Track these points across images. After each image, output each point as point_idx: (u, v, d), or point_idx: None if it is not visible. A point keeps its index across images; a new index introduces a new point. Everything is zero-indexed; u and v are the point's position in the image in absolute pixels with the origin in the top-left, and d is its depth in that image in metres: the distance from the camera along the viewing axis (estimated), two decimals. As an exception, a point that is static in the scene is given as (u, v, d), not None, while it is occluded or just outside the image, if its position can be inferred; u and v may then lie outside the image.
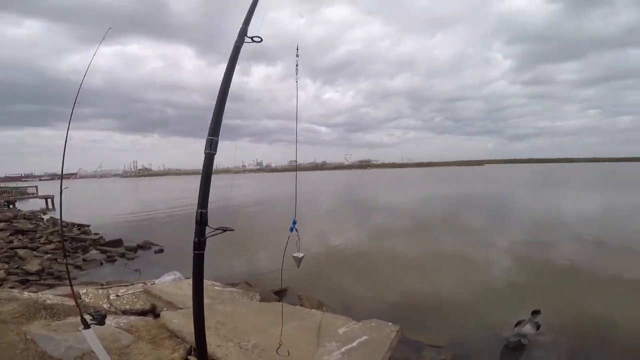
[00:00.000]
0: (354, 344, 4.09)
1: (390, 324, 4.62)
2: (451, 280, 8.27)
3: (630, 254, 10.00)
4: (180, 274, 6.89)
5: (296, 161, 2.80)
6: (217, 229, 1.74)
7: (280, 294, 7.30)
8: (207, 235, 1.70)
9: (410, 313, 6.37)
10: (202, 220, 1.67)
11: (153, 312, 5.23)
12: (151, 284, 6.37)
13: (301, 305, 5.95)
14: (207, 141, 1.74)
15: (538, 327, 5.37)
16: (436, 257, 10.40)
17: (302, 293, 6.63)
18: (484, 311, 6.45)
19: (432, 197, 28.27)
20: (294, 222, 2.39)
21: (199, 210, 1.69)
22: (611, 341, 5.30)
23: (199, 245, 1.69)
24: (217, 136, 1.77)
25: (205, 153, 1.73)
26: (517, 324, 5.41)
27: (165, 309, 5.06)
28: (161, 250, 11.88)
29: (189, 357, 3.65)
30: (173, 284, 6.45)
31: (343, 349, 3.96)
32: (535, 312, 5.57)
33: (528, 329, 5.30)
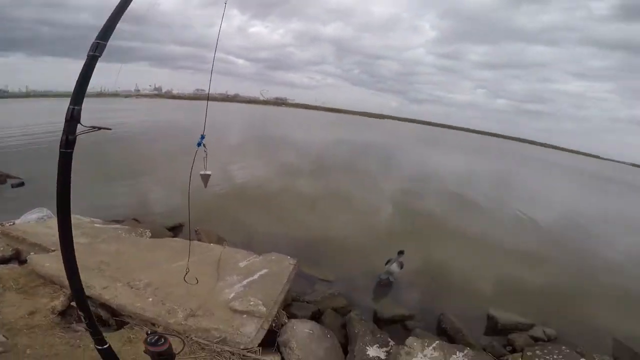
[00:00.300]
0: (255, 276, 4.26)
1: (289, 257, 4.91)
2: (342, 220, 9.12)
3: (480, 211, 12.44)
4: (48, 211, 5.88)
5: (210, 83, 2.60)
6: (92, 127, 1.52)
7: (175, 230, 6.97)
8: (77, 133, 1.46)
9: (306, 248, 6.89)
10: (72, 117, 1.45)
11: (18, 258, 4.47)
12: (10, 224, 5.33)
13: (199, 241, 5.82)
14: (92, 45, 1.50)
15: (402, 266, 6.12)
16: (331, 197, 11.24)
17: (200, 228, 6.42)
18: (365, 250, 7.35)
19: (338, 142, 29.48)
20: (202, 137, 2.20)
21: (71, 107, 1.45)
22: (453, 281, 6.56)
23: (67, 143, 1.45)
24: (106, 40, 1.53)
25: (88, 55, 1.50)
26: (387, 262, 6.17)
27: (32, 252, 4.35)
28: (21, 184, 9.49)
29: (72, 303, 3.28)
30: (40, 223, 5.53)
31: (245, 282, 4.10)
32: (400, 252, 6.25)
33: (394, 267, 6.04)
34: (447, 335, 4.85)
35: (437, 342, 3.99)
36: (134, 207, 8.15)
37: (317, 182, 12.95)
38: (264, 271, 4.42)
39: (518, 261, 8.08)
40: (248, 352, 3.16)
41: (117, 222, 6.53)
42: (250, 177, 12.32)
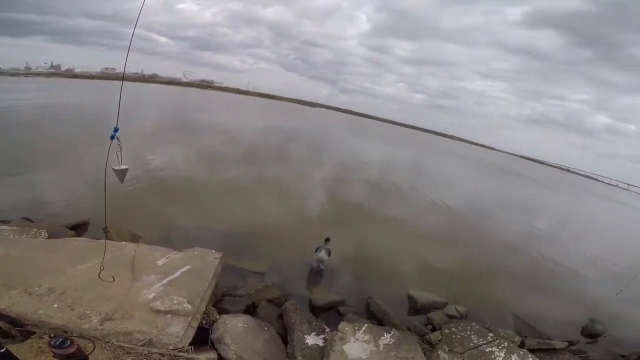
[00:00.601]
0: (177, 274, 3.98)
1: (214, 251, 4.65)
2: (271, 209, 8.92)
3: (398, 197, 13.45)
4: None
5: (126, 62, 2.34)
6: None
7: (79, 229, 6.01)
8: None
9: (235, 241, 6.57)
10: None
11: None
12: None
13: (109, 240, 5.17)
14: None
15: (329, 253, 6.25)
16: (261, 187, 10.90)
17: (109, 225, 5.53)
18: (296, 238, 7.31)
19: (268, 129, 28.68)
20: (116, 129, 2.00)
21: None
22: (377, 265, 6.96)
23: None
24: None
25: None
26: (316, 250, 6.26)
27: None
28: None
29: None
30: None
31: (165, 281, 3.81)
32: (327, 240, 6.36)
33: (323, 255, 6.16)
34: (375, 317, 5.16)
35: (367, 325, 4.22)
36: (25, 206, 6.70)
37: (246, 172, 12.35)
38: (186, 268, 4.15)
39: (432, 243, 8.93)
40: (179, 351, 3.00)
41: (4, 222, 5.42)
42: (170, 168, 11.02)
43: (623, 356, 5.18)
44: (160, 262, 4.21)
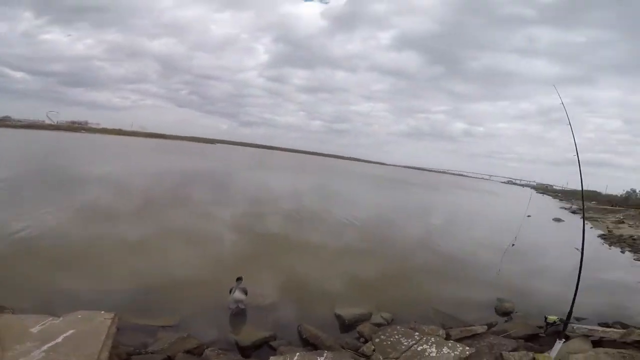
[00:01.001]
0: (59, 339, 3.43)
1: (103, 312, 4.05)
2: (177, 259, 7.90)
3: (311, 222, 13.52)
4: None
5: None
6: None
7: None
8: None
9: (135, 298, 5.68)
10: None
11: None
12: None
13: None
14: None
15: (246, 291, 5.84)
16: (161, 237, 9.47)
17: None
18: (210, 283, 6.61)
19: (160, 173, 25.09)
20: None
21: None
22: (302, 291, 6.78)
23: None
24: None
25: None
26: (230, 291, 5.76)
27: None
28: None
29: None
30: None
31: (44, 347, 3.24)
32: (239, 279, 5.93)
33: (239, 295, 5.73)
34: (310, 344, 4.92)
35: (299, 353, 4.03)
36: None
37: (141, 223, 10.59)
38: (69, 332, 3.53)
39: (350, 259, 9.23)
40: None
41: None
42: (42, 229, 8.81)
43: (540, 327, 5.53)
44: (34, 330, 3.56)
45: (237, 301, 5.73)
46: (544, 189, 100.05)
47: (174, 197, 15.91)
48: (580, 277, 4.44)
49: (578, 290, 4.40)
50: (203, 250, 8.75)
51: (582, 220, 5.29)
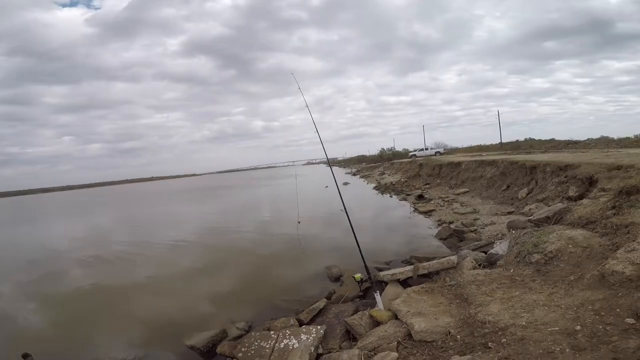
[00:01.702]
0: None
1: None
2: None
3: (135, 259, 11.19)
4: None
5: None
6: None
7: None
8: None
9: None
10: None
11: None
12: None
13: None
14: None
15: None
16: None
17: None
18: None
19: None
20: None
21: None
22: (152, 333, 5.70)
23: None
24: None
25: None
26: None
27: None
28: None
29: None
30: None
31: None
32: (25, 356, 4.89)
33: None
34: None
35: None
36: None
37: None
38: None
39: (193, 281, 8.25)
40: None
41: None
42: None
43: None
44: None
45: None
46: (333, 162, 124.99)
47: None
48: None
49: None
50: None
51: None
